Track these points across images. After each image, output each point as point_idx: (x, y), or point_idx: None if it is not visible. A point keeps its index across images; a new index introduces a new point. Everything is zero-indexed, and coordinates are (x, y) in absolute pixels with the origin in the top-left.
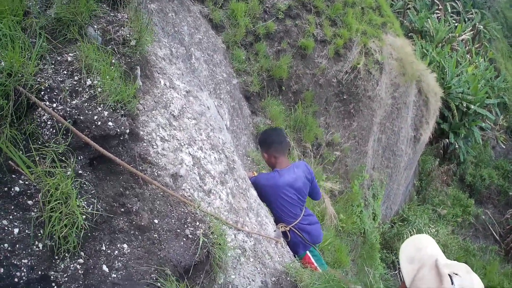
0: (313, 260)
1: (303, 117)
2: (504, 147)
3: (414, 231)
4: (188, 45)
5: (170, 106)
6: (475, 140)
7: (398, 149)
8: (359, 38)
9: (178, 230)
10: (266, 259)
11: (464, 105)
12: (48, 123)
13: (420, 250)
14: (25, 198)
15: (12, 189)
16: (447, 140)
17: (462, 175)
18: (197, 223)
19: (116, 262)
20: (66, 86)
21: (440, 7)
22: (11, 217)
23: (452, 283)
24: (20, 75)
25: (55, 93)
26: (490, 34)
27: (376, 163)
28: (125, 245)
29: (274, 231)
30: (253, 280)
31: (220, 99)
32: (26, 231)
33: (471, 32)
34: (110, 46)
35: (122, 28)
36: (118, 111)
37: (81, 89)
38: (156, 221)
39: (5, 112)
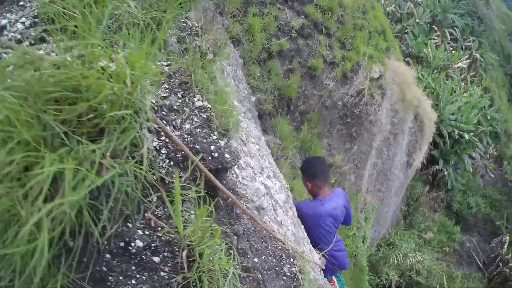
0: (337, 285)
1: (308, 138)
2: (492, 176)
3: (400, 255)
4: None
5: None
6: (465, 168)
7: (391, 174)
8: (366, 62)
9: (277, 268)
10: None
11: (456, 132)
12: (162, 151)
13: None
14: (149, 254)
15: (133, 245)
16: (437, 167)
17: (450, 202)
18: (291, 260)
19: None
20: (174, 105)
21: (438, 33)
22: (133, 281)
23: None
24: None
25: (164, 112)
26: (486, 62)
27: (370, 187)
28: None
29: (319, 258)
30: None
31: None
32: None
33: (468, 60)
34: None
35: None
36: (228, 139)
37: (188, 109)
38: (255, 259)
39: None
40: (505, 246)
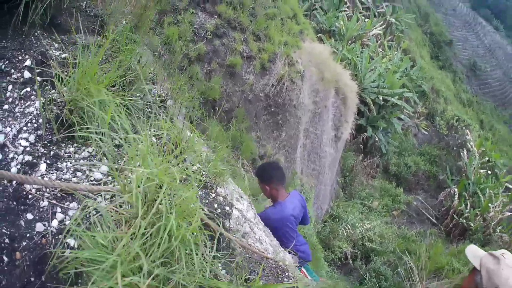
0: (307, 274)
1: (238, 134)
2: (426, 133)
3: (349, 226)
4: None
5: None
6: (395, 130)
7: (322, 151)
8: (282, 49)
9: None
10: None
11: (381, 98)
12: None
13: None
14: None
15: None
16: (366, 134)
17: (386, 166)
18: (286, 273)
19: None
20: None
21: (349, 4)
22: None
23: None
24: None
25: None
26: (402, 25)
27: (304, 168)
28: None
29: (292, 257)
30: None
31: None
32: None
33: (382, 26)
34: None
35: None
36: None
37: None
38: (261, 283)
39: None
40: (456, 198)
